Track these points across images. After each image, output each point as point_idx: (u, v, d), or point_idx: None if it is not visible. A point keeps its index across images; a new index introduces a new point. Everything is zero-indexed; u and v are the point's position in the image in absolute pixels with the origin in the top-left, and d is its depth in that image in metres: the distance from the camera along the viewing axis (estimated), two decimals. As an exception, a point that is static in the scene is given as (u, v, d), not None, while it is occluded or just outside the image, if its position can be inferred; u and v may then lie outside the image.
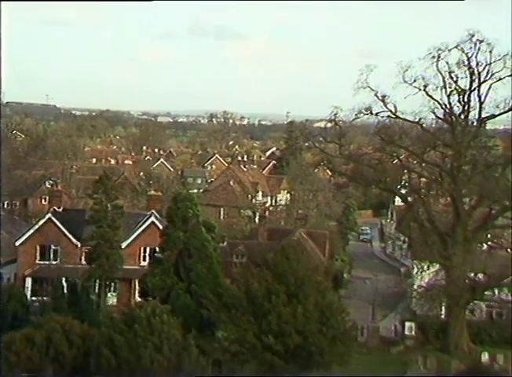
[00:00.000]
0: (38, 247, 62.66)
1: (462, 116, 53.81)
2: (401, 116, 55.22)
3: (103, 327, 37.15)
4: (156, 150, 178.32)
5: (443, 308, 56.30)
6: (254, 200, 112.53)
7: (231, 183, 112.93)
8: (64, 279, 58.96)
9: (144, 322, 32.10)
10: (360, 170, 59.93)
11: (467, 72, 52.27)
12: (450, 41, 52.02)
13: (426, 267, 58.61)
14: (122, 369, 31.10)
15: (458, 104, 53.31)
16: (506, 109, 52.63)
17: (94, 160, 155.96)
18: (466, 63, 51.97)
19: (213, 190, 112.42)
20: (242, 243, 70.53)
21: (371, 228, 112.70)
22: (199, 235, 51.26)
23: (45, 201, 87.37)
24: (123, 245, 59.05)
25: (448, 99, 53.13)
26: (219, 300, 45.28)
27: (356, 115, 54.60)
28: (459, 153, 53.30)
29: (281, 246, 47.56)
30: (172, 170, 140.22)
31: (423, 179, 59.41)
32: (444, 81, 52.56)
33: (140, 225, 62.43)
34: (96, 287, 57.40)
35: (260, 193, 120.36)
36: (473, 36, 51.07)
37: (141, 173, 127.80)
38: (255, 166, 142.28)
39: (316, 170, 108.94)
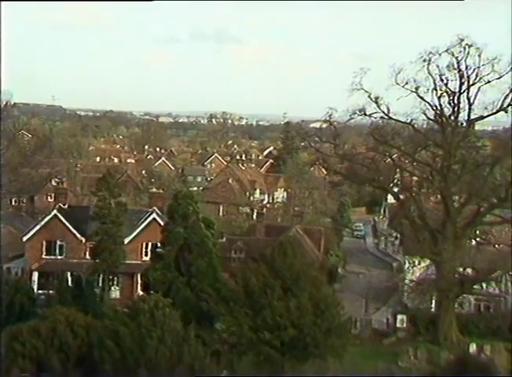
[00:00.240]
0: (44, 243, 62.73)
1: (452, 117, 53.87)
2: (394, 117, 55.23)
3: (106, 319, 37.30)
4: (158, 149, 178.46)
5: (433, 301, 56.36)
6: (252, 198, 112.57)
7: (230, 181, 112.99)
8: (69, 273, 59.08)
9: (147, 315, 32.24)
10: (354, 169, 59.93)
11: (457, 75, 52.33)
12: (440, 45, 52.11)
13: (417, 262, 58.80)
14: (125, 359, 31.23)
15: (448, 106, 53.35)
16: (494, 111, 52.67)
17: (98, 159, 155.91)
18: (456, 66, 52.00)
19: (212, 188, 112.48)
20: (240, 239, 70.58)
21: (364, 225, 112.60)
22: (199, 231, 51.31)
23: (51, 198, 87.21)
24: (126, 241, 59.16)
25: (439, 101, 53.20)
26: (218, 294, 45.37)
27: (350, 116, 54.63)
28: (449, 153, 53.38)
29: (278, 242, 47.61)
30: (173, 168, 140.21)
31: (415, 178, 59.51)
32: (434, 83, 52.62)
33: (142, 222, 62.48)
34: (100, 281, 57.49)
35: (258, 191, 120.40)
36: (462, 41, 51.13)
37: (143, 172, 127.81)
38: (253, 165, 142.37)
39: (311, 169, 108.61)
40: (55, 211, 63.47)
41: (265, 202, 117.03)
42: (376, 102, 54.01)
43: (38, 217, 76.43)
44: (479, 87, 52.28)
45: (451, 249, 53.17)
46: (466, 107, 53.20)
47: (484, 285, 56.00)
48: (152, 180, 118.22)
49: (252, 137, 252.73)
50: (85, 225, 61.40)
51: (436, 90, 52.76)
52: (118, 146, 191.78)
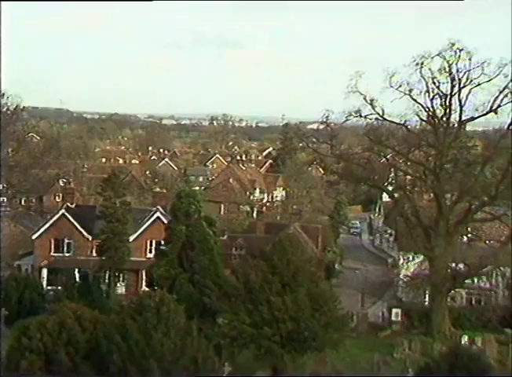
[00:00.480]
0: (52, 241, 62.88)
1: (444, 119, 53.91)
2: (388, 118, 55.27)
3: (113, 314, 37.38)
4: (161, 150, 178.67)
5: (427, 295, 56.42)
6: (252, 197, 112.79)
7: (230, 181, 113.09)
8: (76, 270, 59.29)
9: (153, 310, 32.37)
10: (350, 169, 59.96)
11: (448, 78, 52.37)
12: (432, 49, 52.22)
13: (411, 258, 58.90)
14: (132, 351, 31.34)
15: (440, 108, 53.38)
16: (485, 112, 52.70)
17: (104, 160, 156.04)
18: (448, 69, 52.05)
19: (214, 187, 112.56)
20: (241, 236, 70.71)
21: (360, 223, 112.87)
22: (201, 229, 51.36)
23: (58, 198, 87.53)
24: (131, 238, 59.25)
25: (431, 103, 53.24)
26: (219, 289, 45.41)
27: (346, 117, 54.70)
28: (442, 153, 53.45)
29: (277, 239, 47.59)
30: (176, 168, 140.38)
31: (408, 177, 59.58)
32: (427, 86, 52.66)
33: (147, 220, 62.59)
34: (106, 278, 57.56)
35: (257, 190, 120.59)
36: (453, 45, 51.19)
37: (147, 172, 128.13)
38: (253, 165, 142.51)
39: (309, 169, 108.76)
40: (63, 210, 63.59)
41: (264, 201, 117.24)
42: (371, 104, 54.09)
43: (46, 216, 76.55)
44: (470, 89, 52.36)
45: (444, 245, 53.29)
46: (458, 108, 53.33)
47: (475, 280, 56.07)
48: (156, 180, 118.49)
49: (252, 138, 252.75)
50: (92, 223, 61.52)
51: (428, 93, 52.85)
52: (123, 147, 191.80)
